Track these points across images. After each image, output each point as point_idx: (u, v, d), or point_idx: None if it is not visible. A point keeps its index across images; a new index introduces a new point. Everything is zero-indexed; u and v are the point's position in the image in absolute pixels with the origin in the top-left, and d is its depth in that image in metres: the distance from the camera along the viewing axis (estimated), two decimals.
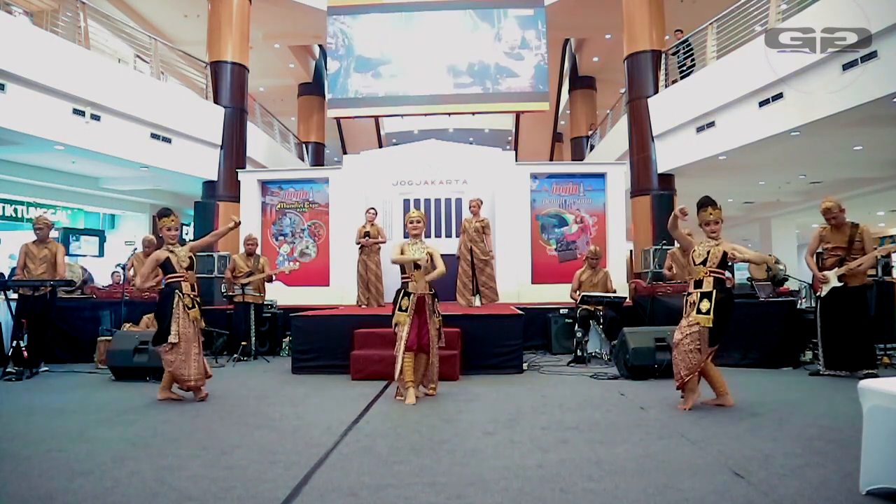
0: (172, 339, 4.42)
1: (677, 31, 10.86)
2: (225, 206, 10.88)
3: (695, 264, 4.14)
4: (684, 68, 10.35)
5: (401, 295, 4.57)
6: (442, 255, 4.69)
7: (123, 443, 3.28)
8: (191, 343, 4.50)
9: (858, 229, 5.28)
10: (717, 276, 4.04)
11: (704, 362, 4.01)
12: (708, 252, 4.07)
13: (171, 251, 4.57)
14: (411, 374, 4.50)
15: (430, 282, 4.59)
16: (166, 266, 4.58)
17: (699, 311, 4.00)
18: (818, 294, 5.37)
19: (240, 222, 4.82)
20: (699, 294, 4.05)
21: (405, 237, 4.78)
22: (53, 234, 11.24)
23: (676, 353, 4.03)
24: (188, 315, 4.52)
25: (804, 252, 5.65)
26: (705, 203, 4.14)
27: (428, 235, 9.63)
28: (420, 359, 4.58)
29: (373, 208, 8.05)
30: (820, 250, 5.54)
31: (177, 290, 4.52)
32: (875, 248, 5.33)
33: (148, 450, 3.13)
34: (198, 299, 4.75)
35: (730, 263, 4.19)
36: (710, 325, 3.94)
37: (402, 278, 4.65)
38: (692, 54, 10.33)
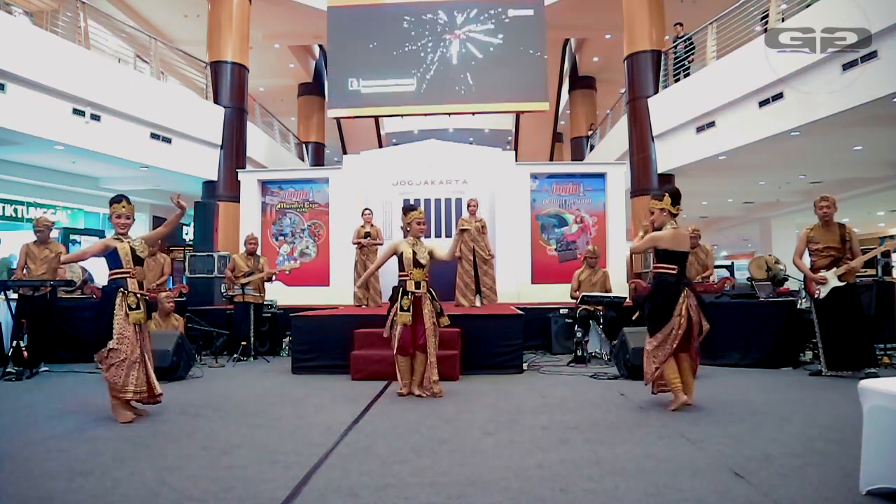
0: (112, 343, 3.82)
1: (677, 24, 10.87)
2: (225, 206, 10.89)
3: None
4: (684, 65, 10.36)
5: (400, 294, 4.58)
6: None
7: (123, 443, 3.27)
8: (132, 349, 3.88)
9: (846, 229, 5.28)
10: (656, 270, 4.12)
11: (668, 355, 3.93)
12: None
13: (121, 241, 4.02)
14: (407, 376, 4.63)
15: (427, 280, 4.60)
16: (112, 258, 3.99)
17: None
18: (815, 296, 5.33)
19: (184, 205, 4.16)
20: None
21: (405, 236, 4.78)
22: (53, 234, 11.24)
23: (647, 355, 4.05)
24: (129, 317, 3.90)
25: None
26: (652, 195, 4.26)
27: (427, 235, 9.62)
28: (418, 359, 4.61)
29: (368, 209, 8.06)
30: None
31: (121, 288, 3.94)
32: (861, 248, 5.34)
33: (148, 450, 3.13)
34: (146, 297, 4.16)
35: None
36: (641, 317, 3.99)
37: (400, 276, 4.66)
38: (693, 50, 10.34)
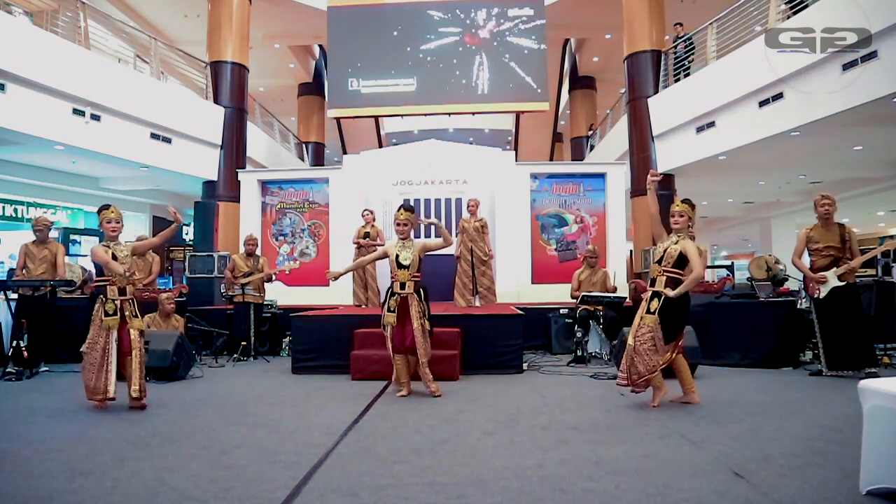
0: (84, 347, 4.12)
1: (677, 24, 10.88)
2: (225, 206, 10.89)
3: (653, 262, 4.18)
4: (685, 65, 10.36)
5: (388, 295, 4.65)
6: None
7: (123, 443, 3.27)
8: (101, 354, 4.08)
9: (846, 229, 5.29)
10: (670, 275, 4.04)
11: (669, 360, 4.03)
12: (665, 250, 4.09)
13: (107, 248, 4.21)
14: (404, 374, 4.66)
15: (417, 280, 4.63)
16: (97, 265, 4.22)
17: (648, 311, 4.03)
18: (815, 295, 5.33)
19: (181, 220, 4.39)
20: (651, 293, 4.09)
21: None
22: (53, 234, 11.21)
23: (634, 355, 4.03)
24: (101, 323, 4.11)
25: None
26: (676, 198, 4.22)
27: (427, 235, 9.64)
28: (412, 360, 4.65)
29: (367, 210, 8.06)
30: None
31: (100, 296, 4.19)
32: (861, 248, 5.34)
33: (148, 450, 3.13)
34: (130, 301, 4.26)
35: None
36: (655, 325, 3.97)
37: (391, 278, 4.70)
38: (693, 50, 10.34)
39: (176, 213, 4.38)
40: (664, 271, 4.06)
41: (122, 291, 4.21)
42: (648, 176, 4.26)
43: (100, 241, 4.35)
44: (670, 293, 3.94)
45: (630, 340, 4.07)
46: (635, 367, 4.02)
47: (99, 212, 4.33)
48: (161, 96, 10.15)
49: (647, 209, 4.42)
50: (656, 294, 4.05)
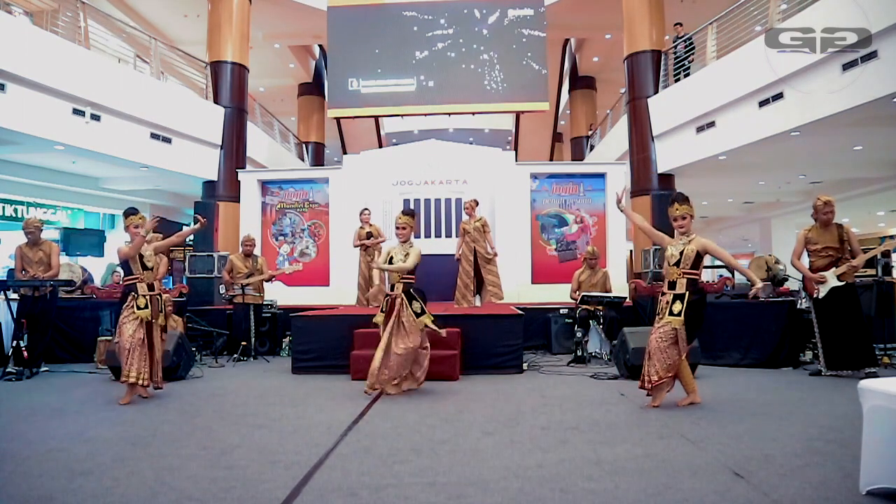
0: (115, 335, 4.63)
1: (677, 24, 10.87)
2: (225, 206, 10.87)
3: (668, 265, 4.16)
4: (685, 65, 10.36)
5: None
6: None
7: (123, 443, 3.28)
8: (133, 339, 4.43)
9: (844, 229, 5.30)
10: (690, 277, 4.06)
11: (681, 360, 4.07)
12: (681, 253, 4.09)
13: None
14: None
15: (406, 282, 4.76)
16: (126, 265, 4.63)
17: (671, 313, 4.04)
18: (815, 295, 5.34)
19: (205, 221, 4.96)
20: (672, 296, 4.08)
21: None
22: (54, 234, 11.20)
23: (653, 354, 4.05)
24: (134, 314, 4.49)
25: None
26: (672, 199, 4.22)
27: (428, 235, 9.65)
28: None
29: (366, 209, 8.02)
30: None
31: (132, 293, 4.56)
32: (861, 247, 5.35)
33: (148, 450, 3.13)
34: (159, 297, 4.71)
35: (710, 262, 4.25)
36: (681, 327, 4.00)
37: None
38: (693, 50, 10.34)
39: (199, 217, 5.20)
40: (684, 273, 4.06)
41: (150, 287, 4.62)
42: (616, 199, 4.45)
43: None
44: (755, 291, 4.01)
45: (652, 343, 4.08)
46: (654, 368, 4.03)
47: (126, 216, 4.68)
48: (161, 96, 10.15)
49: (636, 224, 4.59)
50: (678, 297, 4.04)
